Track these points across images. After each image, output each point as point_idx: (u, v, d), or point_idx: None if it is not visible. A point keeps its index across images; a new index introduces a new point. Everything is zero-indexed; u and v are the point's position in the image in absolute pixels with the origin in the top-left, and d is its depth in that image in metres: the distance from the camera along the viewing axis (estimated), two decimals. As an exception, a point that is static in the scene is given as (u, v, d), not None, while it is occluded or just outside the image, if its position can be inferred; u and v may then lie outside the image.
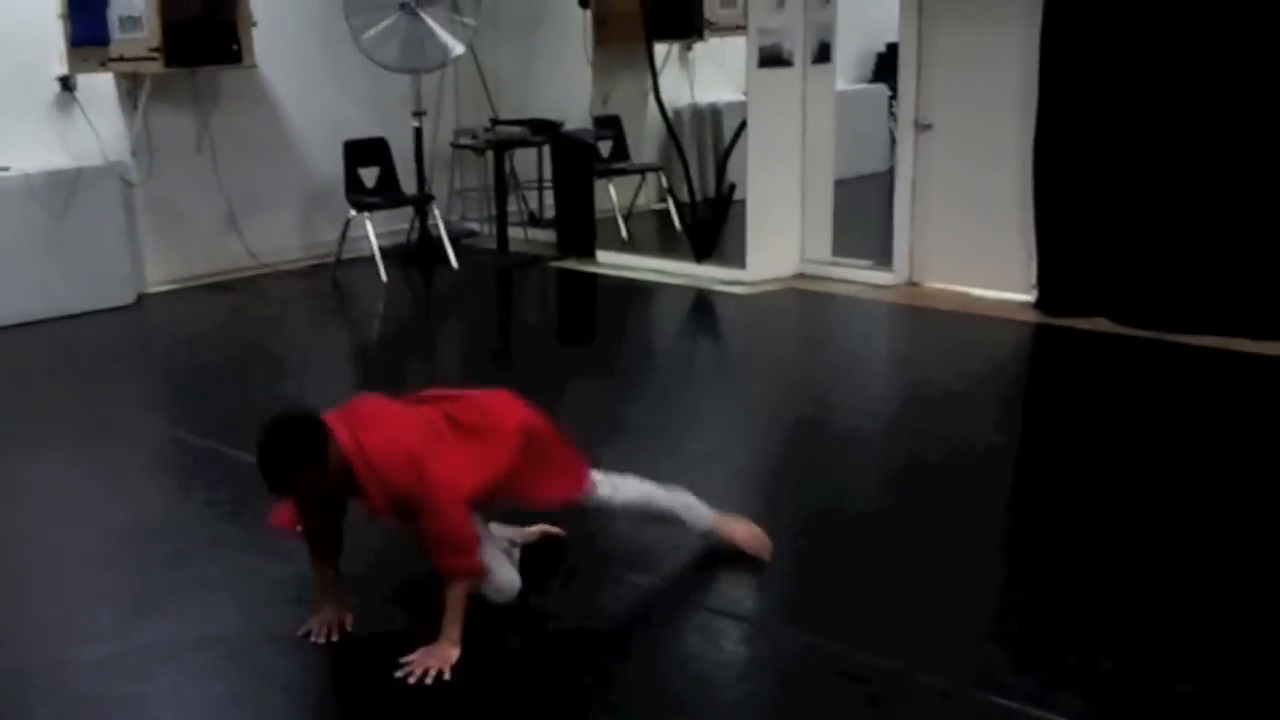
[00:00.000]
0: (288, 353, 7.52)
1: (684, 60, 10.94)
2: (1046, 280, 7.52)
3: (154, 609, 4.04)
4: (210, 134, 8.73)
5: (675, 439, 5.64)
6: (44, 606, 4.15)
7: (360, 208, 9.01)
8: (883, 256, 8.44)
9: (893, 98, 11.69)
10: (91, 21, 7.97)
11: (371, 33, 8.79)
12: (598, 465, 4.11)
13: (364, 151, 9.27)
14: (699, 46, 10.96)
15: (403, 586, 4.16)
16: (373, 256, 8.93)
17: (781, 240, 8.57)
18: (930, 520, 4.69)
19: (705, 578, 3.95)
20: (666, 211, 10.24)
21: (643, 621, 3.87)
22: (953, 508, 4.80)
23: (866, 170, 11.30)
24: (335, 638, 3.79)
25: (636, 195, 10.57)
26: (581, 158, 9.58)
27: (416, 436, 3.64)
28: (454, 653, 3.60)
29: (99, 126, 8.17)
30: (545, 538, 4.35)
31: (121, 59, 8.04)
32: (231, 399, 6.42)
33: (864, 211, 9.83)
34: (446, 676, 3.54)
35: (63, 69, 8.02)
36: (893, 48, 10.54)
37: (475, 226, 10.29)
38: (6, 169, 7.71)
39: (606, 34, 10.30)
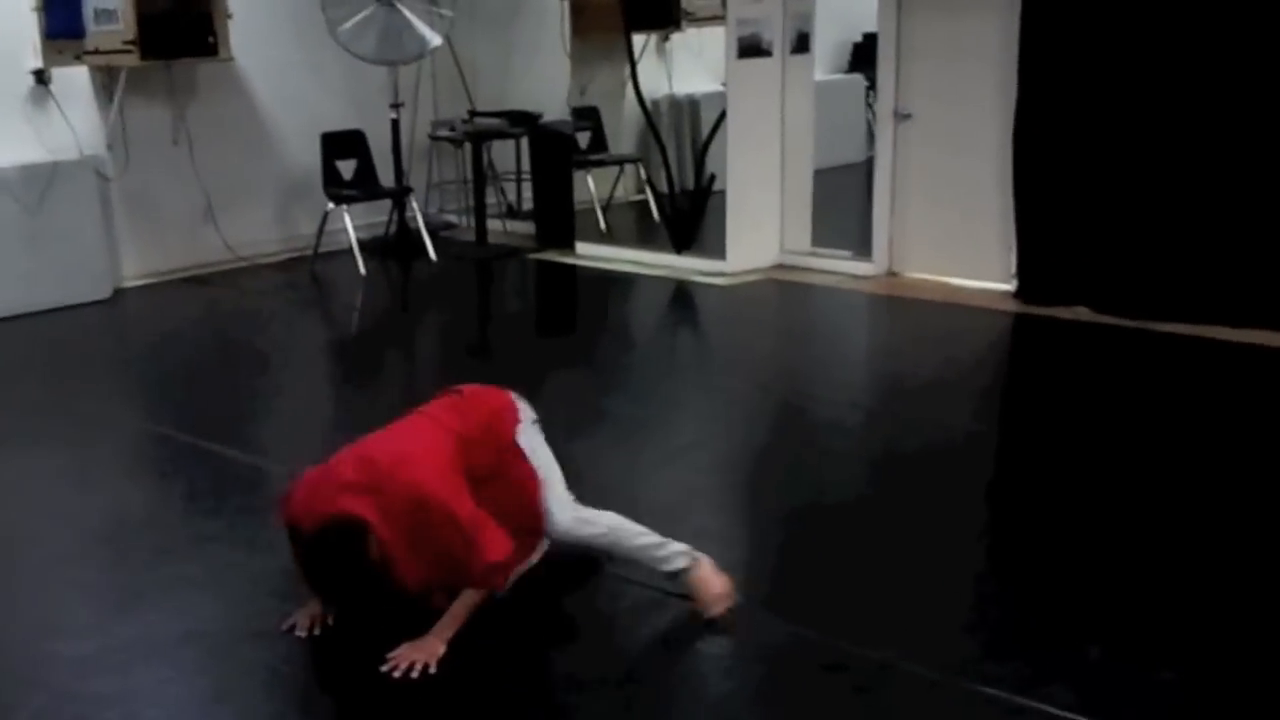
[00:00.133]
0: (266, 347, 7.48)
1: (661, 51, 10.92)
2: (1026, 270, 7.54)
3: (136, 604, 4.02)
4: (187, 127, 8.68)
5: (655, 430, 5.64)
6: (24, 603, 4.12)
7: (338, 200, 8.97)
8: (862, 247, 8.45)
9: (869, 88, 11.73)
10: (66, 14, 7.92)
11: (348, 24, 8.75)
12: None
13: (341, 144, 9.23)
14: (676, 37, 10.94)
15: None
16: (351, 249, 8.90)
17: (761, 231, 8.57)
18: (912, 510, 4.70)
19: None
20: (645, 203, 10.22)
21: (626, 613, 3.86)
22: (934, 497, 4.81)
23: (843, 161, 11.31)
24: (318, 632, 3.77)
25: (615, 186, 10.55)
26: (560, 149, 9.57)
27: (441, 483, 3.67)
28: (440, 648, 3.59)
29: (74, 120, 8.11)
30: None
31: (97, 52, 7.99)
32: (210, 393, 6.39)
33: (842, 202, 9.83)
34: (432, 670, 3.52)
35: (37, 62, 7.97)
36: (869, 38, 10.58)
37: (453, 219, 10.27)
38: (-19, 163, 7.66)
39: (584, 25, 10.27)
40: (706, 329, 8.02)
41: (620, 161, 10.49)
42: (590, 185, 10.04)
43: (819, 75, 9.13)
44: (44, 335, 7.49)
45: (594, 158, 10.21)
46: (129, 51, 7.89)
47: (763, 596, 4.06)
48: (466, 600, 3.69)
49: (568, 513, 3.94)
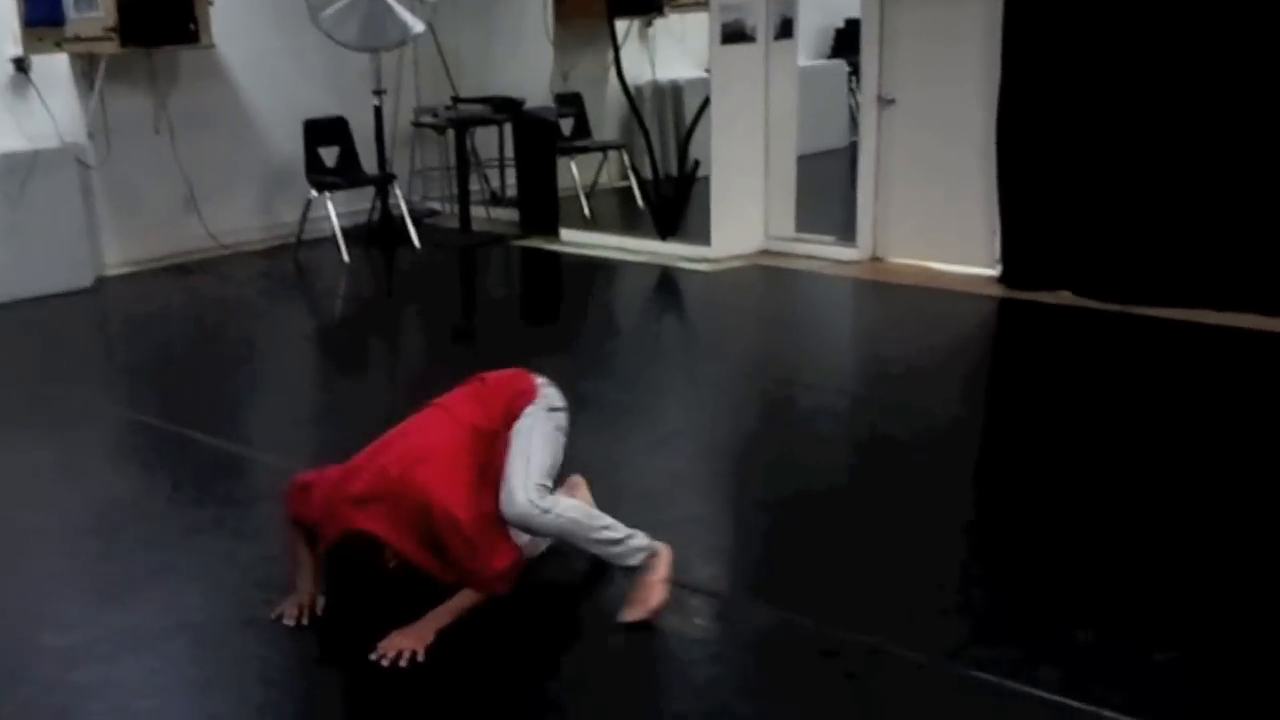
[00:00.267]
0: (249, 335, 7.46)
1: (644, 37, 10.92)
2: (1010, 254, 7.55)
3: (123, 595, 4.00)
4: (168, 114, 8.63)
5: (640, 416, 5.64)
6: (10, 594, 4.10)
7: (321, 188, 8.94)
8: (846, 232, 8.45)
9: (852, 74, 11.73)
10: (46, 1, 7.87)
11: (330, 11, 8.70)
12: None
13: (324, 131, 9.19)
14: (659, 23, 10.94)
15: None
16: (334, 237, 8.87)
17: (745, 217, 8.56)
18: (898, 494, 4.70)
19: (677, 555, 3.93)
20: (629, 189, 10.21)
21: (614, 600, 3.86)
22: (921, 482, 4.81)
23: (826, 146, 11.32)
24: (306, 621, 3.76)
25: (599, 173, 10.55)
26: (543, 136, 9.54)
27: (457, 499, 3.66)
28: (429, 636, 3.58)
29: (55, 108, 8.06)
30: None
31: (77, 39, 7.94)
32: (193, 382, 6.37)
33: (826, 188, 9.84)
34: (420, 659, 3.52)
35: (17, 50, 7.91)
36: (851, 23, 10.57)
37: (437, 206, 10.24)
38: (-39, 152, 7.61)
39: (567, 11, 10.27)
40: (691, 315, 8.01)
41: (604, 148, 10.49)
42: (574, 172, 10.04)
43: (802, 61, 9.13)
44: (25, 324, 7.45)
45: (578, 144, 10.20)
46: (109, 39, 7.85)
47: (751, 582, 4.07)
48: (465, 597, 3.70)
49: (525, 496, 3.71)
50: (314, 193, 8.93)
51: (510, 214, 9.80)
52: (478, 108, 9.52)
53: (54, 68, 8.09)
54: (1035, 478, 4.86)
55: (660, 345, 7.27)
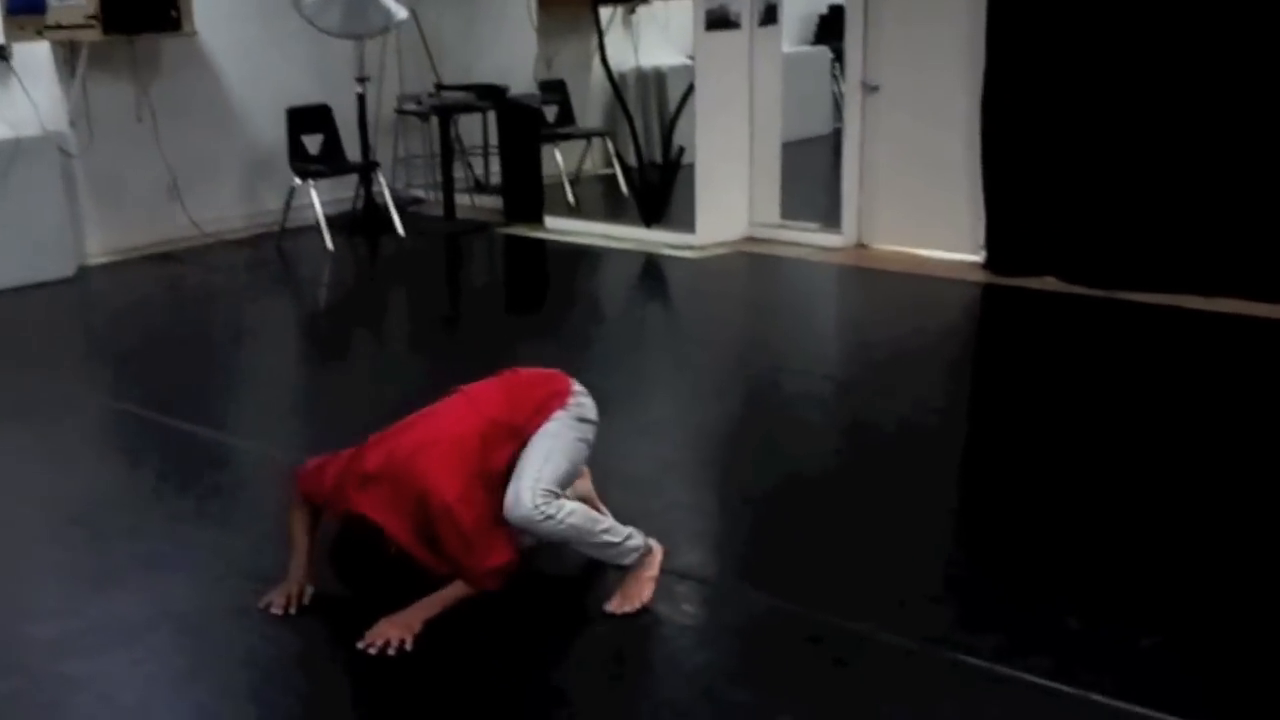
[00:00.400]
0: (232, 323, 7.43)
1: (627, 23, 10.88)
2: (995, 240, 7.55)
3: (109, 585, 3.98)
4: (150, 102, 8.58)
5: (626, 403, 5.61)
6: (-5, 584, 4.09)
7: (304, 175, 8.90)
8: (830, 219, 8.45)
9: (835, 60, 11.73)
10: (27, -12, 7.83)
11: (312, -3, 8.68)
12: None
13: (307, 118, 9.14)
14: (642, 9, 10.91)
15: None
16: (318, 225, 8.84)
17: (730, 203, 8.55)
18: (885, 480, 4.71)
19: (664, 542, 3.93)
20: (613, 176, 10.20)
21: (604, 587, 3.85)
22: (907, 468, 4.82)
23: (810, 133, 11.32)
24: (294, 610, 3.75)
25: (583, 160, 10.53)
26: (527, 123, 9.51)
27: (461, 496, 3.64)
28: (417, 625, 3.57)
29: (36, 96, 8.00)
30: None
31: (58, 26, 7.89)
32: (177, 371, 6.34)
33: (810, 174, 9.84)
34: (408, 647, 3.51)
35: (-2, 37, 7.88)
36: (835, 10, 10.58)
37: (421, 193, 10.21)
38: (-59, 140, 7.56)
39: (550, -3, 10.23)
40: (676, 302, 8.00)
41: (588, 135, 10.47)
42: (558, 159, 10.02)
43: (786, 48, 9.12)
44: (6, 314, 7.41)
45: (561, 131, 10.18)
46: (91, 26, 7.79)
47: (739, 569, 4.06)
48: (456, 589, 3.69)
49: (531, 500, 3.65)
50: (297, 181, 8.89)
51: (494, 201, 9.78)
52: (461, 95, 9.50)
53: (35, 55, 8.04)
54: (1022, 463, 4.87)
55: (645, 332, 7.26)
